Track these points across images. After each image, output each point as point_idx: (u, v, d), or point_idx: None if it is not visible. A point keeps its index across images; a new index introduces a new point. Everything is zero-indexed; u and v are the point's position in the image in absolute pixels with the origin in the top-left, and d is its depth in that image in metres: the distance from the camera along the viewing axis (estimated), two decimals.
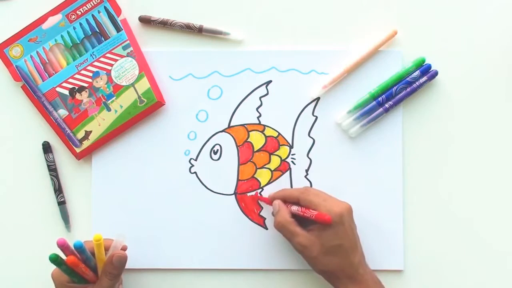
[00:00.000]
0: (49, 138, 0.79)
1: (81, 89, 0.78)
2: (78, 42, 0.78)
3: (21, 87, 0.78)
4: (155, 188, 0.78)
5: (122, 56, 0.78)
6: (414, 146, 0.78)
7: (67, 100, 0.78)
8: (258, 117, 0.78)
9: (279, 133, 0.78)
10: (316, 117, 0.78)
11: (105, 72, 0.77)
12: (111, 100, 0.77)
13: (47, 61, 0.78)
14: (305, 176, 0.78)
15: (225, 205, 0.78)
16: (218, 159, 0.78)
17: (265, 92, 0.78)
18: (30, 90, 0.77)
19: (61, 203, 0.78)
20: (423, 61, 0.77)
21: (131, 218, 0.78)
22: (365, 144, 0.78)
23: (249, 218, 0.78)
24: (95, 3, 0.78)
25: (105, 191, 0.78)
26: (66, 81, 0.78)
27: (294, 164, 0.78)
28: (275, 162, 0.78)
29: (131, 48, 0.78)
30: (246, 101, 0.78)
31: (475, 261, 0.77)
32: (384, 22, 0.78)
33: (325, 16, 0.79)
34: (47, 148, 0.78)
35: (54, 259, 0.65)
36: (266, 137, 0.78)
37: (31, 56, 0.78)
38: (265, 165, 0.78)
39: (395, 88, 0.77)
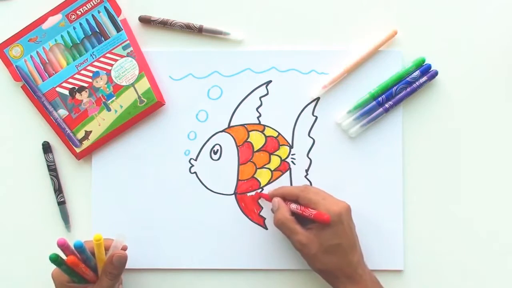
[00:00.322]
0: (49, 138, 0.79)
1: (81, 89, 0.78)
2: (78, 42, 0.78)
3: (21, 87, 0.78)
4: (155, 188, 0.78)
5: (122, 56, 0.78)
6: (414, 146, 0.78)
7: (67, 100, 0.78)
8: (258, 117, 0.78)
9: (279, 133, 0.78)
10: (316, 117, 0.78)
11: (105, 72, 0.77)
12: (111, 100, 0.77)
13: (47, 61, 0.78)
14: (305, 176, 0.78)
15: (225, 205, 0.78)
16: (218, 159, 0.78)
17: (265, 92, 0.78)
18: (30, 90, 0.77)
19: (61, 203, 0.78)
20: (423, 61, 0.77)
21: (131, 218, 0.78)
22: (365, 144, 0.78)
23: (249, 218, 0.78)
24: (95, 3, 0.78)
25: (105, 191, 0.78)
26: (66, 81, 0.78)
27: (294, 164, 0.78)
28: (275, 162, 0.78)
29: (131, 48, 0.78)
30: (246, 101, 0.78)
31: (475, 261, 0.77)
32: (384, 22, 0.78)
33: (325, 16, 0.79)
34: (47, 148, 0.78)
35: (54, 259, 0.65)
36: (266, 137, 0.78)
37: (31, 56, 0.78)
38: (265, 165, 0.78)
39: (395, 88, 0.77)
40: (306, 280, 0.77)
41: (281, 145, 0.78)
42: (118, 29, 0.78)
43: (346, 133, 0.78)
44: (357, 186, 0.77)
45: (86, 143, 0.78)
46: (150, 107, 0.77)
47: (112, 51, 0.78)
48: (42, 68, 0.78)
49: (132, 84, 0.77)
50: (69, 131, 0.77)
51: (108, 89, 0.77)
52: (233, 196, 0.78)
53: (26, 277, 0.78)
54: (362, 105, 0.77)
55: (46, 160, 0.78)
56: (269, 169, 0.78)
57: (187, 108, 0.78)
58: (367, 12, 0.79)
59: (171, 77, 0.79)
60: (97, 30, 0.78)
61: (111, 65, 0.77)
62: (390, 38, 0.78)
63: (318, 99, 0.78)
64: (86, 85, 0.78)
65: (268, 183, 0.78)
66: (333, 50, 0.78)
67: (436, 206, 0.77)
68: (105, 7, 0.78)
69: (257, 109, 0.78)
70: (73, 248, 0.67)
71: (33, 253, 0.78)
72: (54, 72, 0.78)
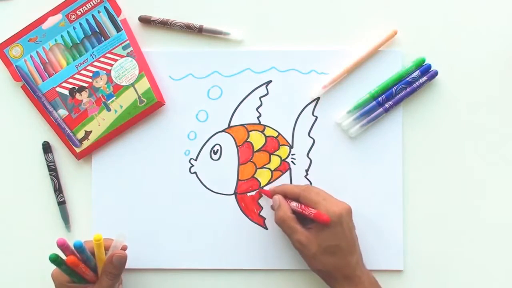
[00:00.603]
0: (49, 138, 0.79)
1: (81, 89, 0.78)
2: (78, 42, 0.78)
3: (21, 87, 0.78)
4: (155, 188, 0.78)
5: (122, 56, 0.78)
6: (414, 146, 0.78)
7: (67, 100, 0.78)
8: (258, 117, 0.78)
9: (279, 133, 0.78)
10: (316, 117, 0.78)
11: (105, 72, 0.77)
12: (111, 100, 0.77)
13: (47, 61, 0.78)
14: (305, 176, 0.78)
15: (225, 205, 0.78)
16: (218, 159, 0.78)
17: (265, 92, 0.78)
18: (30, 90, 0.77)
19: (61, 203, 0.78)
20: (423, 61, 0.77)
21: (131, 218, 0.78)
22: (365, 144, 0.78)
23: (249, 218, 0.78)
24: (95, 3, 0.78)
25: (105, 191, 0.78)
26: (66, 81, 0.78)
27: (294, 164, 0.78)
28: (275, 162, 0.78)
29: (131, 48, 0.78)
30: (246, 101, 0.78)
31: (475, 261, 0.77)
32: (384, 22, 0.78)
33: (325, 16, 0.79)
34: (47, 148, 0.78)
35: (54, 259, 0.65)
36: (266, 137, 0.78)
37: (31, 56, 0.78)
38: (265, 165, 0.78)
39: (395, 88, 0.77)
40: (306, 280, 0.77)
41: (281, 145, 0.78)
42: (118, 29, 0.78)
43: (346, 133, 0.78)
44: (357, 186, 0.77)
45: (86, 143, 0.78)
46: (150, 107, 0.77)
47: (112, 51, 0.78)
48: (42, 68, 0.78)
49: (132, 84, 0.77)
50: (69, 131, 0.77)
51: (108, 89, 0.77)
52: (233, 196, 0.78)
53: (26, 277, 0.78)
54: (362, 105, 0.77)
55: (46, 160, 0.78)
56: (269, 169, 0.78)
57: (187, 108, 0.78)
58: (367, 12, 0.79)
59: (171, 77, 0.79)
60: (97, 30, 0.78)
61: (111, 65, 0.77)
62: (390, 38, 0.78)
63: (318, 99, 0.78)
64: (86, 85, 0.78)
65: (268, 183, 0.78)
66: (333, 50, 0.78)
67: (436, 206, 0.77)
68: (105, 7, 0.78)
69: (257, 109, 0.78)
70: (73, 248, 0.67)
71: (33, 253, 0.78)
72: (54, 72, 0.78)
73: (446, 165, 0.78)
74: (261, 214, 0.78)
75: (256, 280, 0.77)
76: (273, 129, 0.78)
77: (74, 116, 0.78)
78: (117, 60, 0.78)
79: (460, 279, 0.77)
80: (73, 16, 0.78)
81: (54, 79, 0.78)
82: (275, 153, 0.78)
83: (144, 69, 0.77)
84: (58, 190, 0.78)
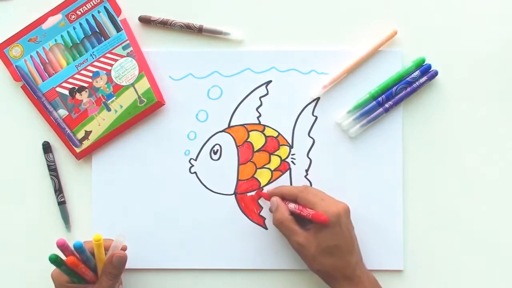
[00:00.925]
0: (49, 138, 0.79)
1: (81, 89, 0.78)
2: (78, 42, 0.78)
3: (21, 87, 0.78)
4: (155, 188, 0.78)
5: (122, 56, 0.78)
6: (414, 146, 0.78)
7: (67, 100, 0.78)
8: (258, 117, 0.78)
9: (279, 133, 0.78)
10: (316, 117, 0.78)
11: (105, 72, 0.77)
12: (111, 100, 0.77)
13: (47, 61, 0.78)
14: (305, 176, 0.78)
15: (225, 205, 0.78)
16: (218, 159, 0.78)
17: (265, 92, 0.78)
18: (30, 90, 0.78)
19: (61, 203, 0.78)
20: (423, 61, 0.77)
21: (131, 218, 0.78)
22: (365, 144, 0.78)
23: (249, 218, 0.78)
24: (95, 3, 0.78)
25: (105, 191, 0.78)
26: (66, 81, 0.78)
27: (294, 164, 0.78)
28: (275, 162, 0.78)
29: (131, 48, 0.78)
30: (246, 101, 0.78)
31: (475, 261, 0.77)
32: (384, 22, 0.78)
33: (325, 16, 0.79)
34: (47, 148, 0.78)
35: (54, 260, 0.65)
36: (266, 137, 0.78)
37: (31, 56, 0.78)
38: (265, 165, 0.78)
39: (395, 88, 0.77)
40: (306, 280, 0.77)
41: (281, 145, 0.78)
42: (118, 29, 0.78)
43: (346, 133, 0.78)
44: (357, 186, 0.77)
45: (86, 143, 0.78)
46: (150, 107, 0.77)
47: (112, 51, 0.78)
48: (42, 68, 0.78)
49: (132, 84, 0.77)
50: (69, 131, 0.77)
51: (108, 89, 0.77)
52: (233, 196, 0.78)
53: (26, 277, 0.78)
54: (362, 105, 0.77)
55: (46, 160, 0.78)
56: (269, 169, 0.78)
57: (187, 108, 0.78)
58: (367, 12, 0.79)
59: (171, 77, 0.79)
60: (97, 30, 0.78)
61: (111, 65, 0.77)
62: (390, 38, 0.78)
63: (318, 99, 0.78)
64: (86, 85, 0.78)
65: (268, 183, 0.78)
66: (333, 50, 0.78)
67: (436, 206, 0.77)
68: (105, 7, 0.78)
69: (257, 109, 0.78)
70: (73, 249, 0.67)
71: (33, 253, 0.78)
72: (54, 72, 0.78)
73: (446, 165, 0.78)
74: (261, 214, 0.78)
75: (256, 280, 0.77)
76: (273, 129, 0.78)
77: (74, 116, 0.78)
78: (117, 60, 0.78)
79: (460, 279, 0.77)
80: (73, 16, 0.78)
81: (54, 79, 0.78)
82: (275, 153, 0.78)
83: (144, 69, 0.77)
84: (58, 190, 0.78)
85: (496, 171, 0.78)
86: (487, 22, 0.78)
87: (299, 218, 0.72)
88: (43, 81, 0.78)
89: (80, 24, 0.78)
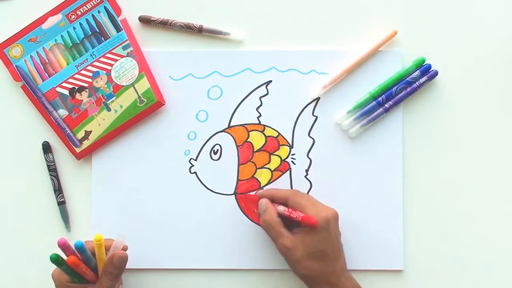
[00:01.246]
0: (49, 138, 0.79)
1: (81, 89, 0.78)
2: (78, 42, 0.78)
3: (21, 87, 0.78)
4: (155, 188, 0.78)
5: (122, 56, 0.78)
6: (414, 146, 0.78)
7: (67, 100, 0.78)
8: (258, 117, 0.78)
9: (279, 133, 0.78)
10: (316, 117, 0.78)
11: (105, 72, 0.77)
12: (111, 100, 0.77)
13: (47, 61, 0.78)
14: (305, 176, 0.78)
15: (225, 205, 0.78)
16: (218, 159, 0.78)
17: (265, 92, 0.78)
18: (30, 90, 0.77)
19: (61, 203, 0.78)
20: (423, 61, 0.77)
21: (130, 218, 0.78)
22: (365, 144, 0.78)
23: (249, 218, 0.78)
24: (95, 3, 0.78)
25: (105, 191, 0.78)
26: (66, 81, 0.78)
27: (294, 164, 0.78)
28: (275, 162, 0.78)
29: (131, 48, 0.78)
30: (246, 101, 0.78)
31: (475, 261, 0.77)
32: (384, 22, 0.78)
33: (325, 16, 0.79)
34: (47, 148, 0.78)
35: (55, 259, 0.65)
36: (266, 137, 0.78)
37: (31, 56, 0.78)
38: (265, 165, 0.78)
39: (395, 88, 0.77)
40: None
41: (281, 145, 0.78)
42: (118, 29, 0.78)
43: (346, 133, 0.78)
44: (357, 186, 0.77)
45: (86, 143, 0.78)
46: (150, 107, 0.77)
47: (112, 51, 0.78)
48: (42, 68, 0.78)
49: (132, 84, 0.77)
50: (69, 131, 0.77)
51: (108, 89, 0.77)
52: (233, 196, 0.78)
53: (26, 277, 0.78)
54: (362, 105, 0.77)
55: (46, 160, 0.78)
56: (269, 169, 0.78)
57: (187, 108, 0.78)
58: (367, 12, 0.79)
59: (171, 77, 0.79)
60: (97, 30, 0.78)
61: (111, 65, 0.77)
62: (390, 38, 0.78)
63: (318, 99, 0.78)
64: (86, 85, 0.78)
65: (268, 183, 0.78)
66: (333, 50, 0.78)
67: (436, 206, 0.77)
68: (105, 7, 0.78)
69: (257, 109, 0.78)
70: (74, 248, 0.67)
71: (33, 253, 0.78)
72: (54, 72, 0.78)
73: (446, 165, 0.78)
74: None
75: (256, 280, 0.77)
76: (273, 129, 0.78)
77: (74, 116, 0.78)
78: (117, 60, 0.78)
79: (460, 279, 0.77)
80: (73, 16, 0.78)
81: (54, 79, 0.78)
82: (275, 153, 0.78)
83: (144, 69, 0.77)
84: (58, 190, 0.78)
85: (496, 171, 0.78)
86: (487, 22, 0.79)
87: (286, 223, 0.71)
88: (43, 81, 0.78)
89: (80, 24, 0.78)
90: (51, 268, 0.69)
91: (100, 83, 0.78)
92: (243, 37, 0.79)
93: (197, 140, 0.78)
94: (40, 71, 0.78)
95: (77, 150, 0.78)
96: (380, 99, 0.77)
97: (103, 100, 0.77)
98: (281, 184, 0.78)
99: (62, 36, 0.78)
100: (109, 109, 0.77)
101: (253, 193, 0.78)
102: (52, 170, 0.78)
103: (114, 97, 0.77)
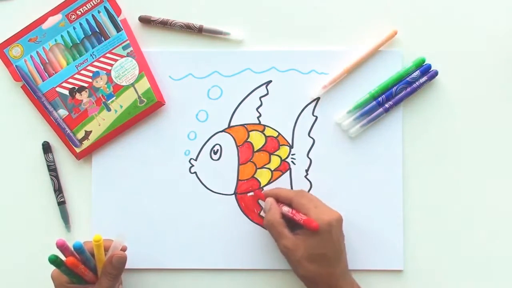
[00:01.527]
0: (49, 138, 0.79)
1: (81, 89, 0.78)
2: (78, 42, 0.78)
3: (21, 87, 0.78)
4: (155, 188, 0.78)
5: (122, 56, 0.78)
6: (414, 146, 0.78)
7: (67, 100, 0.78)
8: (258, 117, 0.78)
9: (279, 133, 0.78)
10: (316, 117, 0.78)
11: (105, 72, 0.78)
12: (111, 100, 0.77)
13: (47, 61, 0.78)
14: (305, 176, 0.78)
15: (225, 205, 0.78)
16: (218, 159, 0.78)
17: (265, 92, 0.78)
18: (30, 90, 0.78)
19: (61, 203, 0.78)
20: (423, 61, 0.77)
21: (131, 218, 0.78)
22: (365, 144, 0.78)
23: (249, 218, 0.78)
24: (95, 3, 0.78)
25: (105, 191, 0.78)
26: (66, 81, 0.78)
27: (294, 164, 0.78)
28: (275, 162, 0.78)
29: (131, 48, 0.78)
30: (246, 101, 0.78)
31: (475, 261, 0.77)
32: (384, 22, 0.78)
33: (325, 16, 0.79)
34: (47, 148, 0.78)
35: (54, 260, 0.65)
36: (266, 137, 0.78)
37: (31, 56, 0.78)
38: (265, 165, 0.78)
39: (395, 88, 0.77)
40: None
41: (281, 145, 0.78)
42: (118, 29, 0.78)
43: (346, 133, 0.78)
44: (357, 186, 0.77)
45: (86, 143, 0.78)
46: (150, 107, 0.77)
47: (112, 51, 0.78)
48: (42, 68, 0.78)
49: (132, 84, 0.77)
50: (69, 131, 0.77)
51: (108, 89, 0.77)
52: (233, 196, 0.78)
53: (26, 277, 0.78)
54: (362, 105, 0.77)
55: (46, 160, 0.78)
56: (269, 169, 0.78)
57: (187, 108, 0.78)
58: (367, 12, 0.79)
59: (171, 77, 0.79)
60: (97, 30, 0.78)
61: (111, 65, 0.78)
62: (390, 38, 0.78)
63: (318, 99, 0.78)
64: (86, 85, 0.78)
65: (268, 183, 0.78)
66: (333, 50, 0.78)
67: (436, 206, 0.77)
68: (105, 7, 0.78)
69: (257, 109, 0.78)
70: (73, 249, 0.67)
71: (33, 253, 0.78)
72: (54, 72, 0.78)
73: (446, 165, 0.78)
74: (261, 214, 0.78)
75: (256, 280, 0.77)
76: (273, 129, 0.78)
77: (74, 116, 0.78)
78: (117, 60, 0.78)
79: (460, 279, 0.77)
80: (73, 16, 0.78)
81: (54, 79, 0.78)
82: (275, 153, 0.78)
83: (144, 69, 0.77)
84: (58, 190, 0.78)
85: (496, 170, 0.77)
86: (487, 22, 0.78)
87: (290, 222, 0.71)
88: (43, 81, 0.78)
89: (80, 24, 0.78)
90: (51, 268, 0.68)
91: (100, 83, 0.78)
92: (243, 37, 0.79)
93: (197, 140, 0.78)
94: (40, 71, 0.78)
95: (77, 150, 0.78)
96: (380, 99, 0.77)
97: (103, 100, 0.77)
98: (281, 184, 0.78)
99: (62, 36, 0.78)
100: (109, 109, 0.77)
101: (253, 193, 0.78)
102: (52, 170, 0.78)
103: (114, 97, 0.77)
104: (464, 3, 0.79)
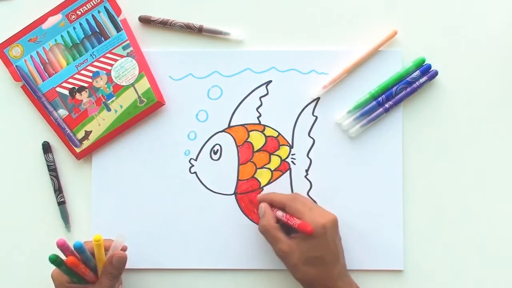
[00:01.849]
0: (49, 138, 0.79)
1: (81, 89, 0.78)
2: (78, 42, 0.78)
3: (21, 87, 0.78)
4: (155, 188, 0.78)
5: (122, 56, 0.78)
6: (414, 146, 0.78)
7: (67, 100, 0.78)
8: (258, 117, 0.78)
9: (279, 133, 0.78)
10: (316, 117, 0.78)
11: (105, 72, 0.77)
12: (111, 100, 0.77)
13: (47, 61, 0.78)
14: (305, 176, 0.78)
15: (225, 205, 0.78)
16: (218, 159, 0.78)
17: (265, 92, 0.78)
18: (30, 90, 0.78)
19: (61, 203, 0.78)
20: (423, 61, 0.77)
21: (131, 218, 0.78)
22: (365, 144, 0.78)
23: (249, 218, 0.78)
24: (95, 3, 0.78)
25: (105, 191, 0.78)
26: (66, 81, 0.78)
27: (294, 164, 0.78)
28: (275, 162, 0.78)
29: (131, 48, 0.78)
30: (246, 101, 0.78)
31: (474, 261, 0.77)
32: (384, 22, 0.78)
33: (325, 16, 0.79)
34: (47, 148, 0.78)
35: (54, 260, 0.65)
36: (266, 137, 0.78)
37: (31, 56, 0.78)
38: (265, 165, 0.78)
39: (395, 88, 0.77)
40: None
41: (281, 145, 0.78)
42: (118, 29, 0.78)
43: (346, 133, 0.78)
44: (357, 186, 0.77)
45: (86, 143, 0.78)
46: (150, 107, 0.77)
47: (112, 51, 0.78)
48: (42, 68, 0.78)
49: (132, 84, 0.77)
50: (69, 131, 0.77)
51: (108, 89, 0.77)
52: (233, 196, 0.78)
53: (26, 277, 0.78)
54: (362, 105, 0.77)
55: (46, 160, 0.78)
56: (269, 169, 0.78)
57: (187, 108, 0.78)
58: (367, 12, 0.79)
59: (171, 77, 0.79)
60: (97, 30, 0.78)
61: (111, 65, 0.78)
62: (390, 38, 0.78)
63: (318, 99, 0.78)
64: (86, 85, 0.78)
65: (268, 183, 0.78)
66: (333, 50, 0.78)
67: (436, 206, 0.77)
68: (105, 7, 0.78)
69: (257, 109, 0.78)
70: (73, 249, 0.67)
71: (33, 253, 0.78)
72: (54, 72, 0.78)
73: (446, 165, 0.78)
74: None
75: (256, 280, 0.77)
76: (273, 129, 0.78)
77: (74, 116, 0.78)
78: (117, 60, 0.78)
79: (460, 279, 0.77)
80: (73, 16, 0.78)
81: (54, 79, 0.78)
82: (275, 153, 0.78)
83: (144, 69, 0.77)
84: (58, 190, 0.78)
85: (496, 171, 0.78)
86: (487, 22, 0.78)
87: (285, 226, 0.71)
88: (43, 81, 0.78)
89: (80, 24, 0.78)
90: (51, 268, 0.68)
91: (100, 83, 0.78)
92: (243, 37, 0.79)
93: (197, 140, 0.78)
94: (40, 71, 0.78)
95: (77, 150, 0.78)
96: (380, 99, 0.77)
97: (103, 100, 0.77)
98: (281, 184, 0.78)
99: (62, 36, 0.78)
100: (109, 109, 0.77)
101: (253, 193, 0.78)
102: (52, 170, 0.78)
103: (114, 97, 0.77)
104: (464, 3, 0.79)
